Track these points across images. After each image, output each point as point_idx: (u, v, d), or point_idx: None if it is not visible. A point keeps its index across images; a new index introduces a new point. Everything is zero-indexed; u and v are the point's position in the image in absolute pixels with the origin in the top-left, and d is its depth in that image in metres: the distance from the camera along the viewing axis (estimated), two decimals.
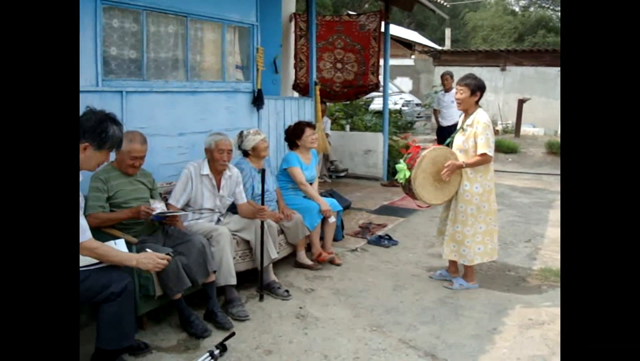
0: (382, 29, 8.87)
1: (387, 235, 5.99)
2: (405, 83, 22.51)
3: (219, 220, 4.39)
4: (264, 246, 4.27)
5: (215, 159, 4.24)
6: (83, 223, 2.78)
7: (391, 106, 13.59)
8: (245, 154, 4.78)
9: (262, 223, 4.27)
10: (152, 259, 3.10)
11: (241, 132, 4.78)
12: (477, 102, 4.51)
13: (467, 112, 4.58)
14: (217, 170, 4.30)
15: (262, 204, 4.29)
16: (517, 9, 34.84)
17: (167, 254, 3.31)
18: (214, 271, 3.86)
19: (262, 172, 4.29)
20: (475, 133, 4.41)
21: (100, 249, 2.88)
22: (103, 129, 2.79)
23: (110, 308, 2.97)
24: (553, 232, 6.51)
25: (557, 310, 4.16)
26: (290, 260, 5.04)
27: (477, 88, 4.46)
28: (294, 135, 5.24)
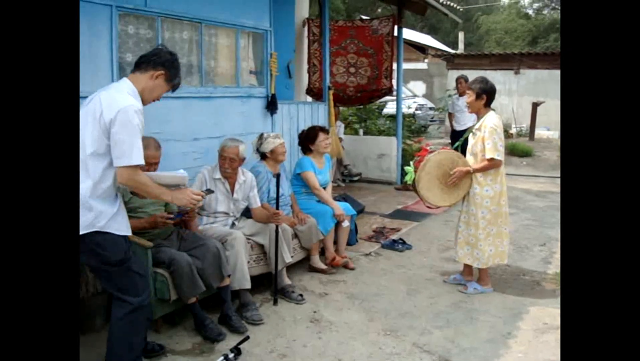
0: (395, 33, 8.88)
1: (400, 239, 5.98)
2: (419, 87, 22.45)
3: (233, 224, 4.41)
4: (278, 250, 4.28)
5: (220, 164, 4.28)
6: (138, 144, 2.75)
7: (404, 110, 13.58)
8: (263, 157, 4.80)
9: (277, 227, 4.29)
10: (186, 194, 3.01)
11: (261, 135, 4.81)
12: (486, 105, 4.50)
13: (479, 116, 4.58)
14: (226, 175, 4.33)
15: (277, 208, 4.31)
16: (530, 12, 34.70)
17: (203, 191, 3.30)
18: (229, 275, 3.88)
19: (277, 176, 4.31)
20: (483, 137, 4.40)
21: (141, 178, 2.80)
22: (177, 63, 2.96)
23: (122, 327, 2.92)
24: None
25: None
26: (304, 264, 5.05)
27: (482, 91, 4.45)
28: (307, 140, 5.26)
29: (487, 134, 4.38)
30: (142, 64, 2.88)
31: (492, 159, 4.36)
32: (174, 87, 3.01)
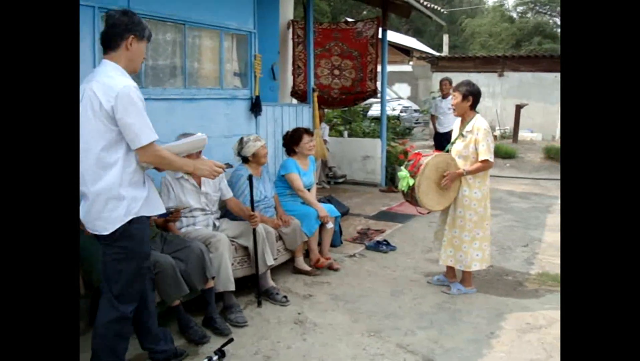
0: (380, 36, 8.91)
1: (385, 241, 6.00)
2: (404, 89, 22.58)
3: (215, 225, 4.38)
4: (258, 253, 4.27)
5: None
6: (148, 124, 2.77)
7: (389, 112, 13.63)
8: (245, 160, 4.78)
9: (254, 230, 4.28)
10: (209, 165, 3.07)
11: (241, 139, 4.79)
12: (472, 107, 4.53)
13: (464, 118, 4.60)
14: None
15: (253, 210, 4.29)
16: (514, 15, 34.96)
17: (224, 164, 3.31)
18: (213, 277, 3.87)
19: (250, 178, 4.27)
20: (477, 140, 4.43)
21: (162, 153, 2.83)
22: (135, 17, 2.85)
23: (108, 332, 2.90)
24: (551, 236, 6.53)
25: (555, 314, 4.19)
26: (288, 266, 5.05)
27: (468, 93, 4.48)
28: (291, 141, 5.26)
29: (480, 136, 4.41)
30: (110, 42, 2.81)
31: (486, 161, 4.40)
32: (149, 39, 2.95)
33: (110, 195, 2.70)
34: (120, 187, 2.72)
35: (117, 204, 2.71)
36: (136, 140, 2.70)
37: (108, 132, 2.68)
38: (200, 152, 3.69)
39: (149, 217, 2.92)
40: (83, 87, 2.74)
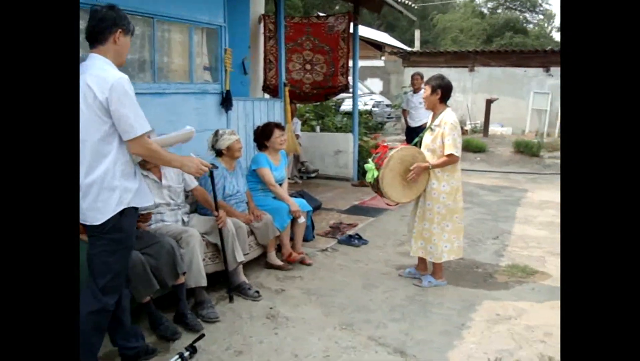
0: (351, 30, 8.92)
1: (357, 234, 6.03)
2: (376, 84, 22.64)
3: (184, 221, 4.34)
4: (227, 250, 4.25)
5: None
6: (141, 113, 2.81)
7: (361, 107, 13.66)
8: (219, 153, 4.75)
9: (220, 229, 4.25)
10: (195, 163, 3.14)
11: (217, 131, 4.75)
12: (442, 101, 4.57)
13: (435, 112, 4.64)
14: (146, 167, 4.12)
15: (216, 209, 4.25)
16: (485, 11, 35.34)
17: (210, 163, 3.39)
18: (184, 273, 3.84)
19: (211, 174, 4.16)
20: (443, 133, 4.47)
21: (152, 146, 2.88)
22: (121, 11, 2.91)
23: (86, 324, 2.83)
24: (520, 229, 6.63)
25: (524, 305, 4.26)
26: (260, 261, 5.04)
27: (437, 87, 4.52)
28: (262, 136, 5.24)
29: (447, 130, 4.44)
30: (98, 35, 2.84)
31: (451, 155, 4.43)
32: (133, 33, 3.03)
33: (103, 185, 2.74)
34: (114, 178, 2.77)
35: (110, 194, 2.76)
36: (130, 131, 2.74)
37: (102, 124, 2.72)
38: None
39: (137, 209, 2.96)
40: None
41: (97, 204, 2.74)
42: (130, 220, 2.91)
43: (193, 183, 4.39)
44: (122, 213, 2.81)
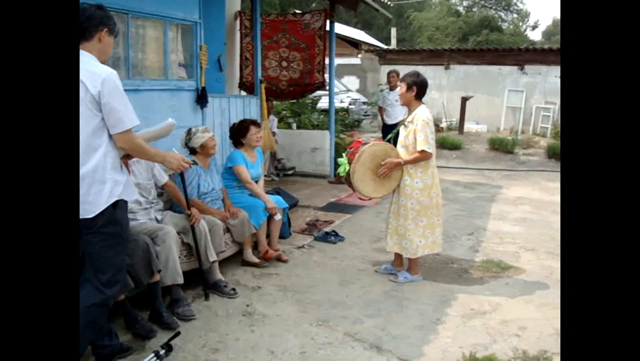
0: (328, 28, 8.92)
1: (333, 231, 6.04)
2: (352, 82, 22.69)
3: (157, 220, 4.28)
4: (200, 249, 4.23)
5: None
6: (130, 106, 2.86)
7: (338, 105, 13.68)
8: (193, 151, 4.72)
9: (193, 227, 4.22)
10: (177, 159, 3.22)
11: (189, 130, 4.71)
12: (417, 98, 4.60)
13: (410, 109, 4.67)
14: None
15: (188, 208, 4.23)
16: (461, 9, 35.62)
17: (192, 161, 3.48)
18: (159, 271, 3.81)
19: (181, 175, 4.11)
20: (415, 130, 4.49)
21: (138, 140, 2.93)
22: (108, 11, 2.98)
23: (87, 316, 2.80)
24: (495, 225, 6.70)
25: (498, 300, 4.31)
26: (237, 258, 5.02)
27: (413, 84, 4.55)
28: (238, 133, 5.22)
29: (419, 127, 4.47)
30: (84, 31, 2.85)
31: (422, 152, 4.46)
32: (116, 36, 3.08)
33: (95, 178, 2.76)
34: (104, 170, 2.80)
35: (101, 187, 2.78)
36: (119, 124, 2.79)
37: (93, 117, 2.75)
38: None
39: (126, 202, 2.99)
40: None
41: (89, 198, 2.75)
42: (123, 212, 2.95)
43: (163, 178, 4.33)
44: (115, 205, 2.85)
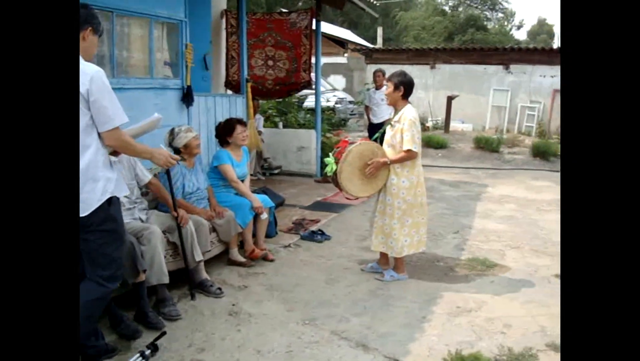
0: (314, 27, 8.92)
1: (320, 230, 6.05)
2: (339, 81, 22.75)
3: (142, 220, 4.25)
4: (186, 249, 4.22)
5: None
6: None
7: (324, 104, 13.68)
8: (176, 151, 4.68)
9: (179, 226, 4.21)
10: (164, 156, 3.24)
11: (172, 130, 4.66)
12: (404, 97, 4.62)
13: (397, 108, 4.69)
14: None
15: (175, 209, 4.21)
16: (447, 9, 35.76)
17: (178, 157, 3.52)
18: (144, 271, 3.79)
19: (167, 172, 4.13)
20: (402, 129, 4.51)
21: (126, 137, 2.94)
22: (93, 10, 2.97)
23: (86, 310, 2.86)
24: (480, 223, 6.75)
25: (483, 297, 4.34)
26: (223, 258, 5.01)
27: (400, 83, 4.57)
28: (224, 132, 5.20)
29: (406, 126, 4.48)
30: None
31: (409, 151, 4.47)
32: (100, 35, 3.07)
33: (88, 177, 2.76)
34: (97, 168, 2.81)
35: (94, 185, 2.80)
36: (108, 122, 2.79)
37: (83, 115, 2.75)
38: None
39: (119, 198, 3.01)
40: None
41: (83, 196, 2.74)
42: (117, 208, 2.98)
43: (146, 177, 4.29)
44: (110, 202, 2.87)
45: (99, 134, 2.82)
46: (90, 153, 2.78)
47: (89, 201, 2.78)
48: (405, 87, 4.58)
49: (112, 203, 2.89)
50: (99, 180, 2.81)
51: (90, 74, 2.72)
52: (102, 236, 2.88)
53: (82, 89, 2.69)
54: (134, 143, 3.01)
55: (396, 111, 4.69)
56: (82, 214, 2.76)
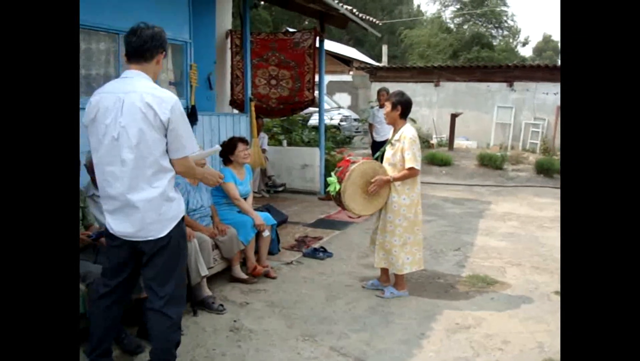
0: (317, 46, 9.04)
1: (322, 247, 6.10)
2: (344, 99, 22.85)
3: None
4: (189, 266, 4.26)
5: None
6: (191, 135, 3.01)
7: (328, 122, 13.77)
8: None
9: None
10: (214, 175, 3.31)
11: None
12: (401, 116, 4.70)
13: (395, 127, 4.77)
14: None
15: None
16: (452, 27, 35.93)
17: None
18: None
19: None
20: (403, 148, 4.58)
21: (191, 163, 3.01)
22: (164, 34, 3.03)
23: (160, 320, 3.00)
24: (482, 240, 6.78)
25: (483, 314, 4.37)
26: (225, 275, 5.07)
27: (398, 103, 4.66)
28: (227, 150, 5.29)
29: (407, 145, 4.56)
30: (145, 52, 2.90)
31: (411, 169, 4.55)
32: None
33: (165, 198, 2.88)
34: (170, 190, 2.93)
35: (170, 205, 2.91)
36: (181, 150, 2.90)
37: (161, 141, 2.82)
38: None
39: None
40: (117, 96, 2.82)
41: (161, 217, 2.88)
42: (185, 226, 3.14)
43: None
44: (182, 220, 3.02)
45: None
46: (168, 177, 2.90)
47: (166, 221, 2.90)
48: (402, 106, 4.67)
49: (182, 221, 3.01)
50: (174, 200, 2.94)
51: (170, 104, 2.79)
52: (174, 252, 2.98)
53: (163, 117, 2.76)
54: (196, 168, 3.11)
55: (395, 130, 4.77)
56: (160, 235, 2.88)
